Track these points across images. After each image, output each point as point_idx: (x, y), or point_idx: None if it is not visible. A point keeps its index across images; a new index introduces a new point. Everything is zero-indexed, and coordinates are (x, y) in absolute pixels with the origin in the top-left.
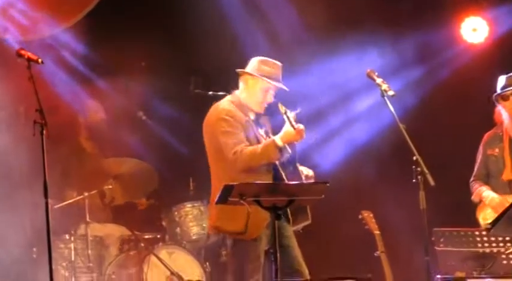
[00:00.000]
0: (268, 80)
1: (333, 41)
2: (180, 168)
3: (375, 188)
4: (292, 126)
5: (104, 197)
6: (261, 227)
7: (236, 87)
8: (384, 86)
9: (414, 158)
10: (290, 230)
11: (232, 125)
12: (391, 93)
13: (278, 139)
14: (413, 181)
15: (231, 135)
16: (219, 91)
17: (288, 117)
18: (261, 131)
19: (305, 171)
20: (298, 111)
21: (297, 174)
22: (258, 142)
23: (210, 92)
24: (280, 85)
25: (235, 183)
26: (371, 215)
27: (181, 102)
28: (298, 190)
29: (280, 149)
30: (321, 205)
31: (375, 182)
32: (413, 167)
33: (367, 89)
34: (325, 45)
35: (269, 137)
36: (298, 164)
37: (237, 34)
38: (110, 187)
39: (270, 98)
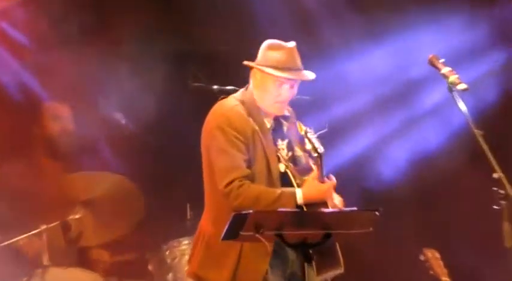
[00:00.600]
0: (272, 71)
1: (385, 17)
2: (174, 190)
3: (442, 215)
4: (320, 172)
5: (68, 231)
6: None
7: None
8: (452, 78)
9: (495, 175)
10: None
11: (231, 140)
12: (461, 86)
13: (300, 196)
14: (494, 207)
15: (227, 156)
16: (226, 85)
17: (314, 148)
18: (282, 144)
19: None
20: (324, 130)
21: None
22: (268, 162)
23: (215, 86)
24: (291, 75)
25: (249, 211)
26: (437, 255)
27: (175, 100)
28: (337, 220)
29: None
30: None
31: (443, 207)
32: (495, 188)
33: (433, 80)
34: (373, 22)
35: (292, 152)
36: None
37: (252, 9)
38: (77, 216)
39: (287, 95)
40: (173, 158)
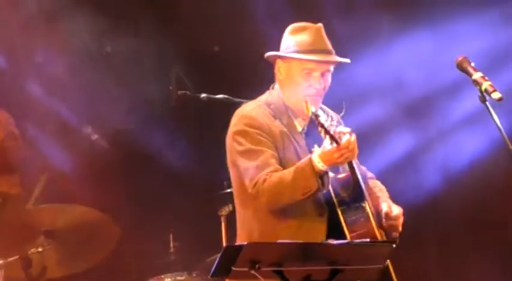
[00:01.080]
0: (296, 55)
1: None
2: (155, 218)
3: (471, 248)
4: (332, 137)
5: (29, 266)
6: None
7: (255, 86)
8: (486, 85)
9: None
10: None
11: (256, 139)
12: (496, 95)
13: (317, 158)
14: None
15: (253, 155)
16: (217, 93)
17: (320, 125)
18: (317, 150)
19: (385, 206)
20: (342, 114)
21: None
22: None
23: (203, 95)
24: (319, 57)
25: (243, 243)
26: None
27: (156, 111)
28: (347, 254)
29: (322, 176)
30: None
31: (471, 238)
32: None
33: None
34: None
35: None
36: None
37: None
38: (40, 249)
39: (318, 85)
40: (154, 181)
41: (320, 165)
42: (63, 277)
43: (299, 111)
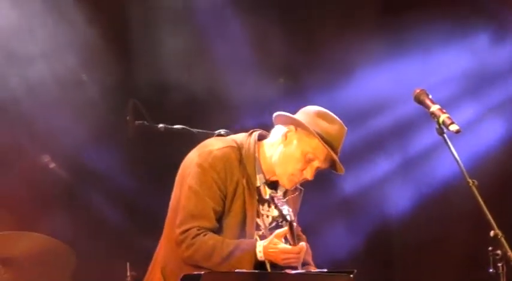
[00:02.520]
0: (320, 140)
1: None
2: (112, 246)
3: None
4: (291, 234)
5: None
6: None
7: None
8: (443, 117)
9: (492, 233)
10: None
11: (208, 183)
12: (453, 128)
13: (260, 247)
14: (490, 270)
15: (196, 200)
16: (175, 124)
17: (282, 215)
18: (267, 211)
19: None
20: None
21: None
22: (244, 220)
23: (161, 125)
24: (334, 155)
25: (201, 273)
26: None
27: (113, 141)
28: None
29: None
30: None
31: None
32: (490, 248)
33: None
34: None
35: (277, 225)
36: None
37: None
38: None
39: (308, 174)
40: (111, 211)
41: (259, 255)
42: None
43: (267, 171)
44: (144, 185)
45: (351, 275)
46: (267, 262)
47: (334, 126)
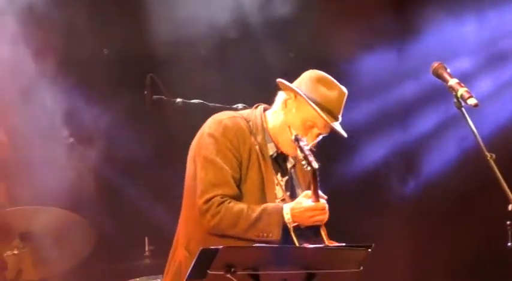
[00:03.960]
0: (318, 110)
1: None
2: (131, 221)
3: None
4: (315, 190)
5: (5, 269)
6: None
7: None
8: (461, 91)
9: (510, 207)
10: None
11: (223, 151)
12: (471, 101)
13: (287, 210)
14: (509, 244)
15: (214, 168)
16: (193, 99)
17: (307, 161)
18: (281, 180)
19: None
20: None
21: (319, 243)
22: (263, 186)
23: (179, 99)
24: (335, 126)
25: (219, 247)
26: None
27: (130, 116)
28: (323, 258)
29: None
30: None
31: None
32: (508, 222)
33: None
34: None
35: (292, 193)
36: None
37: None
38: (15, 252)
39: (312, 140)
40: (129, 184)
41: (287, 217)
42: (39, 279)
43: (275, 139)
44: (162, 160)
45: (369, 250)
46: (290, 228)
47: (334, 92)
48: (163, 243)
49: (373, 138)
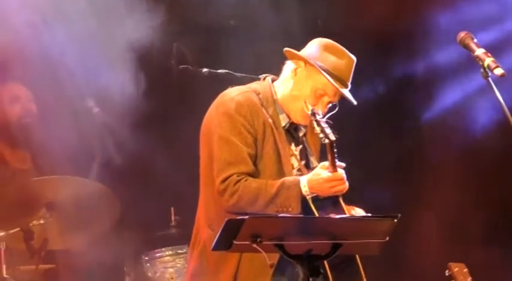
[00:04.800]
0: (329, 77)
1: None
2: (156, 192)
3: None
4: (332, 161)
5: (31, 238)
6: None
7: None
8: (488, 61)
9: None
10: None
11: (237, 129)
12: (498, 71)
13: (305, 182)
14: None
15: (229, 147)
16: (219, 68)
17: (325, 134)
18: (295, 150)
19: (357, 210)
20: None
21: (339, 213)
22: (279, 158)
23: (205, 70)
24: (345, 93)
25: (244, 217)
26: (465, 270)
27: (156, 86)
28: (348, 229)
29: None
30: None
31: None
32: None
33: None
34: None
35: (307, 162)
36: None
37: None
38: (42, 222)
39: (322, 109)
40: (154, 154)
41: (305, 189)
42: (65, 249)
43: (287, 109)
44: (188, 131)
45: (395, 220)
46: (309, 199)
47: (343, 60)
48: (189, 213)
49: None
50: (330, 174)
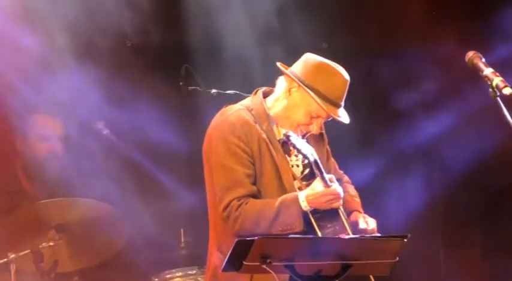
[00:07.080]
0: (323, 104)
1: None
2: (166, 213)
3: None
4: (321, 177)
5: (41, 260)
6: None
7: (267, 83)
8: (497, 80)
9: None
10: None
11: (233, 152)
12: (507, 91)
13: (303, 197)
14: None
15: (226, 172)
16: (227, 89)
17: (302, 154)
18: (296, 160)
19: (362, 222)
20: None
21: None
22: (279, 174)
23: (214, 90)
24: (337, 115)
25: (254, 238)
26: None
27: (165, 106)
28: (358, 249)
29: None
30: None
31: None
32: None
33: None
34: None
35: (310, 170)
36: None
37: None
38: (51, 243)
39: (315, 128)
40: (164, 175)
41: (304, 205)
42: (75, 270)
43: (280, 125)
44: (198, 151)
45: (405, 240)
46: (309, 213)
47: (337, 80)
48: (199, 235)
49: None
50: (323, 189)
